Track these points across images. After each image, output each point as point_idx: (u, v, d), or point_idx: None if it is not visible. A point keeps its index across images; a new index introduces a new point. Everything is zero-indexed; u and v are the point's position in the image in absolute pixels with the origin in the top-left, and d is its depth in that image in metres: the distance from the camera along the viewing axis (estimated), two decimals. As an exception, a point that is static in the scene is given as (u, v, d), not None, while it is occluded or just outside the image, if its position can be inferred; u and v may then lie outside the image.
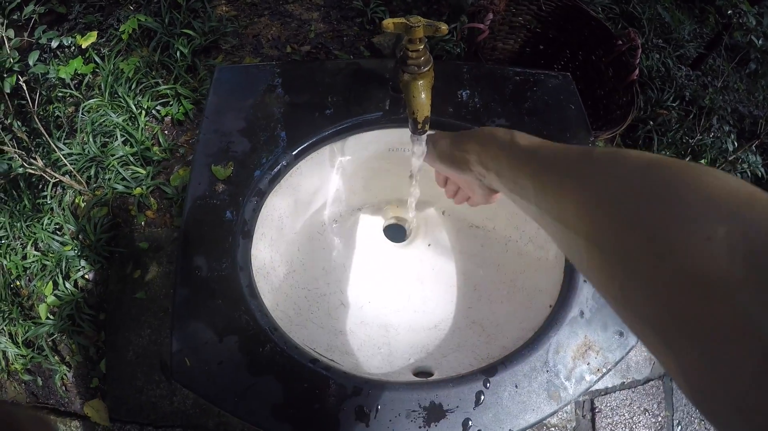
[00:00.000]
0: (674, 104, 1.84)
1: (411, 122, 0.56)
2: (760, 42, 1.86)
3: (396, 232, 0.87)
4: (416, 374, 0.65)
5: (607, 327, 0.64)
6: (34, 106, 1.30)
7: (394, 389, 0.55)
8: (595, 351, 0.62)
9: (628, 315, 0.31)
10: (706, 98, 1.88)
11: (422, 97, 0.53)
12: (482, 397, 0.56)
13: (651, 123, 1.77)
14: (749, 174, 1.80)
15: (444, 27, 0.46)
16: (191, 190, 0.66)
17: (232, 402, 0.54)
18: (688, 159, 1.73)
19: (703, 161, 1.73)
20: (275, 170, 0.66)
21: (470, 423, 0.54)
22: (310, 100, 0.72)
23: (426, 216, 0.84)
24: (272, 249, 0.68)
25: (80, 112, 1.49)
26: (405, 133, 0.64)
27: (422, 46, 0.49)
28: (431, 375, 0.64)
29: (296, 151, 0.67)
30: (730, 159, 1.70)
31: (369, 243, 0.81)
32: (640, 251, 0.29)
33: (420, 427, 0.53)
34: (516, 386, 0.57)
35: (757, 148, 1.82)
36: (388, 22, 0.47)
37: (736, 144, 1.80)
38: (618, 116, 1.33)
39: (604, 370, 0.62)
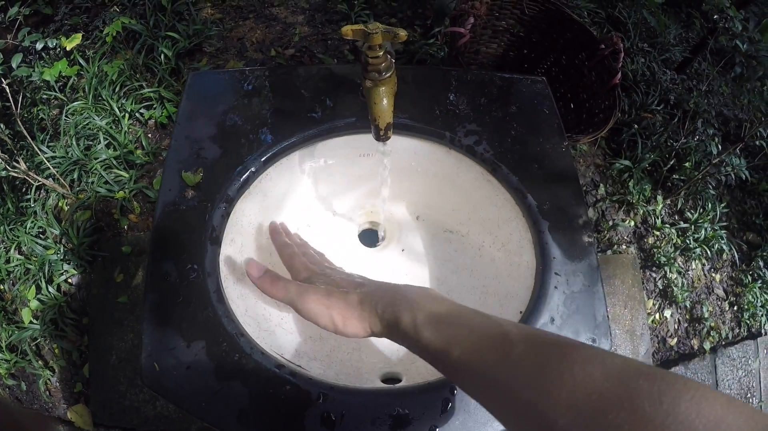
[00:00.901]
0: (659, 107, 1.85)
1: (374, 128, 0.56)
2: (745, 46, 1.88)
3: (370, 237, 0.87)
4: (385, 380, 0.65)
5: (579, 333, 0.64)
6: (17, 108, 1.30)
7: (360, 395, 0.55)
8: (565, 357, 0.62)
9: None
10: (690, 101, 1.89)
11: (384, 104, 0.53)
12: (449, 404, 0.56)
13: (636, 126, 1.78)
14: (733, 176, 1.82)
15: (403, 33, 0.46)
16: (162, 196, 0.66)
17: (199, 407, 0.55)
18: (672, 162, 1.74)
19: (687, 164, 1.74)
20: (244, 176, 0.66)
21: (437, 430, 0.54)
22: (280, 106, 0.72)
23: (400, 221, 0.85)
24: (242, 255, 0.68)
25: (64, 115, 1.49)
26: (375, 138, 0.64)
27: (382, 53, 0.49)
28: (400, 381, 0.64)
29: (265, 157, 0.68)
30: (714, 162, 1.71)
31: (342, 248, 0.81)
32: None
33: (385, 434, 0.54)
34: (484, 392, 0.57)
35: (741, 151, 1.83)
36: (347, 29, 0.47)
37: (720, 147, 1.81)
38: (600, 120, 1.33)
39: (575, 376, 0.62)
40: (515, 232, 0.71)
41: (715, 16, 1.82)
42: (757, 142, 1.92)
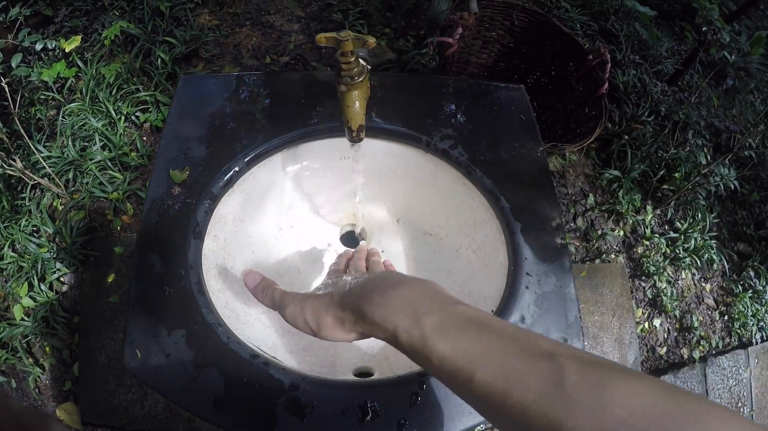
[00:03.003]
0: (649, 119, 1.88)
1: (347, 130, 0.59)
2: (733, 58, 1.91)
3: (352, 239, 0.89)
4: (358, 374, 0.67)
5: (550, 333, 0.66)
6: (15, 107, 1.32)
7: (330, 386, 0.57)
8: (536, 356, 0.64)
9: None
10: (680, 113, 1.92)
11: (356, 107, 0.56)
12: (418, 399, 0.57)
13: (626, 137, 1.80)
14: (722, 187, 1.84)
15: (371, 40, 0.49)
16: (150, 192, 0.68)
17: (178, 394, 0.56)
18: (662, 173, 1.76)
19: (677, 175, 1.76)
20: (228, 175, 0.69)
21: (405, 423, 0.56)
22: (266, 109, 0.74)
23: (381, 223, 0.87)
24: (224, 251, 0.70)
25: (61, 116, 1.52)
26: (356, 141, 0.66)
27: (353, 59, 0.52)
28: (372, 375, 0.66)
29: (249, 157, 0.70)
30: (703, 172, 1.73)
31: (323, 249, 0.84)
32: None
33: (355, 425, 0.55)
34: (453, 388, 0.59)
35: (731, 161, 1.86)
36: (320, 37, 0.50)
37: (710, 157, 1.84)
38: (588, 129, 1.36)
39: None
40: (490, 234, 0.73)
41: (704, 28, 1.85)
42: (747, 153, 1.95)
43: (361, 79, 0.54)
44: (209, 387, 0.56)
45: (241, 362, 0.57)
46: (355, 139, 0.60)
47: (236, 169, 0.69)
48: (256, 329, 0.67)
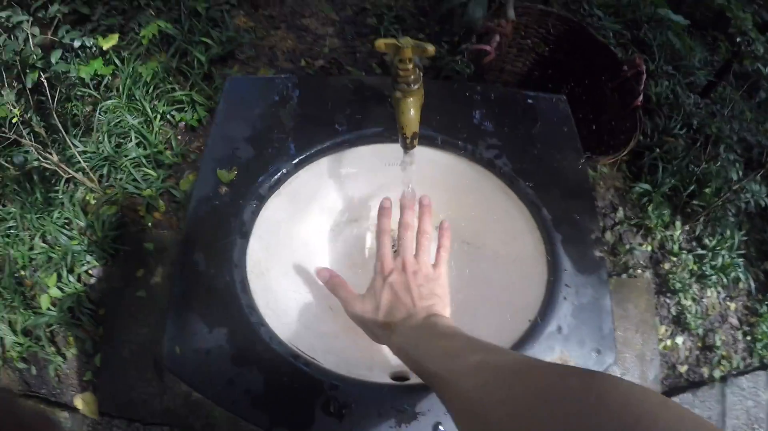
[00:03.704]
0: (681, 132, 1.85)
1: (401, 137, 0.59)
2: (767, 70, 1.88)
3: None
4: (394, 378, 0.67)
5: (585, 344, 0.65)
6: (53, 102, 1.35)
7: (369, 389, 0.57)
8: (571, 367, 0.64)
9: None
10: (713, 126, 1.89)
11: (411, 114, 0.56)
12: (455, 404, 0.58)
13: (657, 150, 1.78)
14: (752, 203, 1.81)
15: (431, 48, 0.49)
16: (196, 190, 0.69)
17: (215, 391, 0.57)
18: (692, 188, 1.74)
19: (707, 190, 1.74)
20: (275, 177, 0.70)
21: (441, 427, 0.57)
22: (313, 113, 0.76)
23: (419, 231, 0.87)
24: (267, 251, 0.71)
25: (97, 112, 1.54)
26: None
27: (411, 65, 0.53)
28: (408, 379, 0.66)
29: (296, 160, 0.71)
30: (734, 188, 1.70)
31: (362, 254, 0.84)
32: None
33: (391, 427, 0.56)
34: (490, 395, 0.59)
35: (762, 178, 1.82)
36: (380, 43, 0.51)
37: (741, 173, 1.80)
38: (621, 141, 1.35)
39: (579, 386, 0.63)
40: (529, 245, 0.73)
41: (738, 39, 1.82)
42: (779, 169, 1.91)
43: (417, 86, 0.55)
44: (248, 386, 0.57)
45: (282, 362, 0.58)
46: (408, 146, 0.60)
47: (284, 170, 0.71)
48: (296, 330, 0.68)
